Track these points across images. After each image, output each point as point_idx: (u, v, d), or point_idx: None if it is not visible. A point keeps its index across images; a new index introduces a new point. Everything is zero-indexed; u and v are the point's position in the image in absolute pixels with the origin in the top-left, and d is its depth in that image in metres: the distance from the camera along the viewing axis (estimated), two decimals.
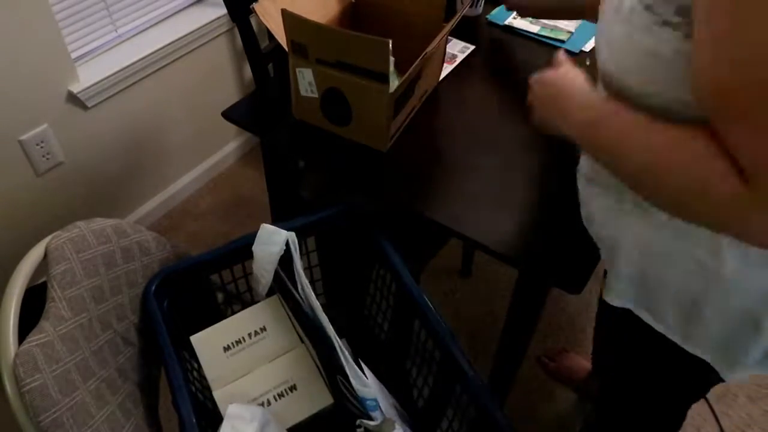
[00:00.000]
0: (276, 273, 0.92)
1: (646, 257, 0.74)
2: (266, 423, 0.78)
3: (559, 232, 0.93)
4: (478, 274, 1.83)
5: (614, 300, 0.81)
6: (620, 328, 0.88)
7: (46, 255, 0.80)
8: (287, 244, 0.90)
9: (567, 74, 0.75)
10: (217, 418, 0.81)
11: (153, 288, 0.92)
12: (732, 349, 0.73)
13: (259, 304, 0.98)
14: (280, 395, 0.87)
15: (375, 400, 0.78)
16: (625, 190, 0.69)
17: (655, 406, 0.91)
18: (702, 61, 0.52)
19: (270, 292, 0.98)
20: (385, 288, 1.02)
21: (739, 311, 0.69)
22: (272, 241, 0.90)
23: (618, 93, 0.65)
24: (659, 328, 0.78)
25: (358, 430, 0.75)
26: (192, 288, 0.98)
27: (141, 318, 0.92)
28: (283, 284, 0.91)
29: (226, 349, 0.92)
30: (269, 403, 0.86)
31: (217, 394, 0.87)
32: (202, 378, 0.94)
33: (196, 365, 0.95)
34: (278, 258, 0.90)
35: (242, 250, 0.96)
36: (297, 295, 0.88)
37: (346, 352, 0.80)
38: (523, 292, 1.04)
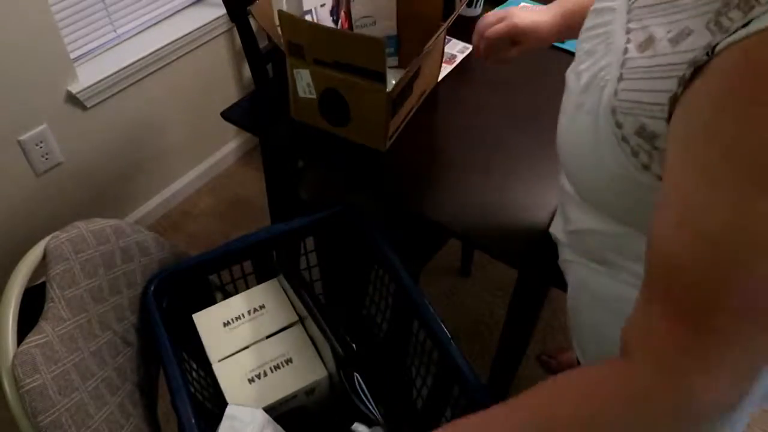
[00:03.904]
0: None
1: (576, 294, 0.78)
2: (265, 425, 0.78)
3: None
4: (478, 274, 1.83)
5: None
6: None
7: (45, 255, 0.80)
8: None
9: None
10: (217, 419, 0.81)
11: (152, 288, 0.92)
12: None
13: (258, 286, 1.00)
14: (276, 367, 0.89)
15: None
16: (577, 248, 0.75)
17: None
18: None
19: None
20: (384, 288, 1.02)
21: None
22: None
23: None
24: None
25: None
26: (191, 288, 0.98)
27: (140, 318, 0.92)
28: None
29: (226, 324, 0.94)
30: (266, 374, 0.88)
31: (217, 367, 0.89)
32: (201, 378, 0.94)
33: (195, 366, 0.95)
34: None
35: (241, 250, 0.96)
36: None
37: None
38: (522, 292, 1.04)
